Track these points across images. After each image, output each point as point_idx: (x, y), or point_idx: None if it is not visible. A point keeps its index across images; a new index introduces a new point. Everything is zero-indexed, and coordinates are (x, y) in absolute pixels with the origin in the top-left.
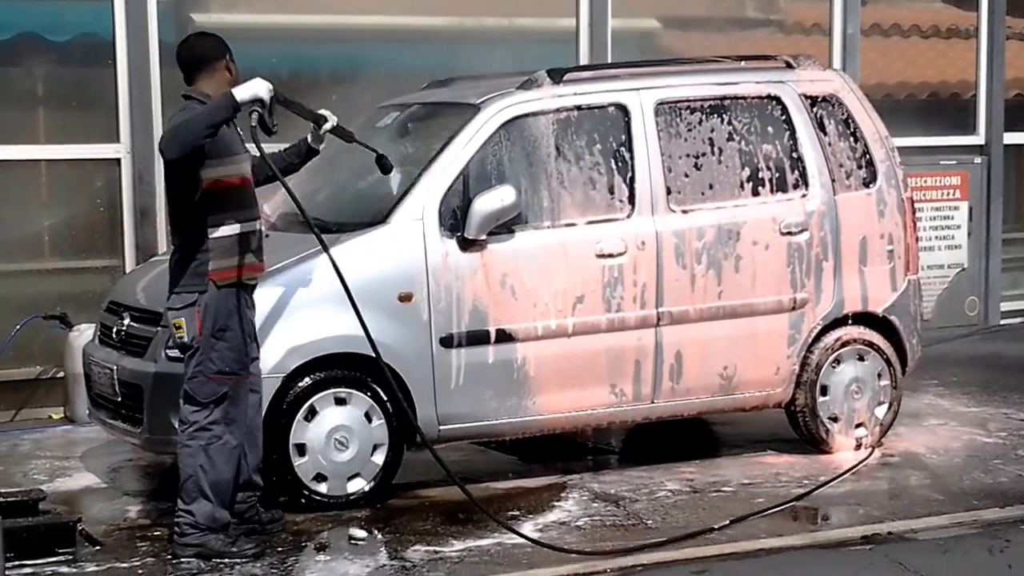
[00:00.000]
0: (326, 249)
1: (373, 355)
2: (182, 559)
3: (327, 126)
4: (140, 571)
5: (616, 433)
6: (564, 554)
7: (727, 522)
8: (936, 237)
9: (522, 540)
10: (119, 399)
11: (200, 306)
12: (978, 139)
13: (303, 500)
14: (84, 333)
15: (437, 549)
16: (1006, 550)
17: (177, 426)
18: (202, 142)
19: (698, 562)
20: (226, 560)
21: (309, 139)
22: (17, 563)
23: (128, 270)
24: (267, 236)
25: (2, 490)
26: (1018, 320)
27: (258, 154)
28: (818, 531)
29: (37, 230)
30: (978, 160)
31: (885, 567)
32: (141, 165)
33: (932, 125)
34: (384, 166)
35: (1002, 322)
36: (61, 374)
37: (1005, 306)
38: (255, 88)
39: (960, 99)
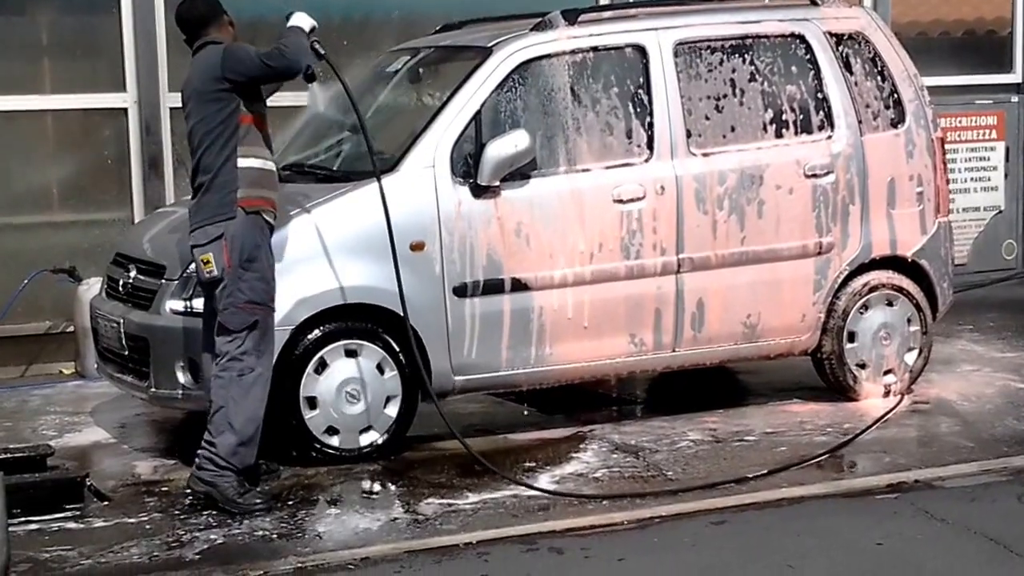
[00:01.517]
0: (378, 178)
1: (386, 306)
2: (197, 495)
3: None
4: (148, 526)
5: (640, 383)
6: (581, 505)
7: (765, 472)
8: (972, 179)
9: (537, 493)
10: (126, 353)
11: (227, 238)
12: (1015, 77)
13: (314, 454)
14: (93, 287)
15: (451, 502)
16: None
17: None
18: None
19: (716, 512)
20: (236, 514)
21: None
22: (24, 519)
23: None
24: None
25: (10, 446)
26: None
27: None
28: (842, 480)
29: (44, 182)
30: (1015, 99)
31: (909, 515)
32: (148, 115)
33: (967, 63)
34: (309, 76)
35: None
36: (71, 329)
37: None
38: (304, 20)
39: (996, 36)
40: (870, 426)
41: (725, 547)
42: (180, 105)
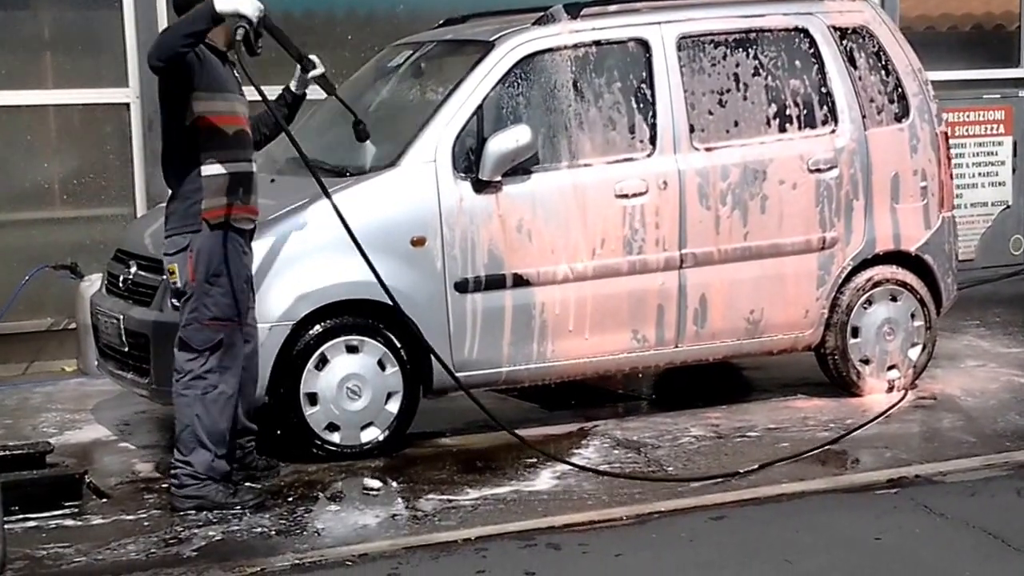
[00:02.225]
0: (327, 195)
1: (387, 302)
2: (187, 511)
3: (314, 72)
4: (146, 523)
5: (644, 379)
6: (581, 502)
7: (755, 466)
8: (979, 174)
9: (539, 488)
10: (126, 349)
11: (192, 251)
12: (1023, 72)
13: (315, 450)
14: (95, 283)
15: (451, 498)
16: None
17: (173, 375)
18: (182, 49)
19: (715, 508)
20: (235, 510)
21: (293, 86)
22: (22, 516)
23: None
24: (273, 181)
25: (9, 443)
26: None
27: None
28: (842, 475)
29: (46, 178)
30: (1023, 94)
31: (909, 510)
32: (151, 110)
33: (975, 58)
34: (360, 133)
35: None
36: (73, 326)
37: None
38: (238, 2)
39: (1005, 31)
40: (868, 422)
41: (723, 543)
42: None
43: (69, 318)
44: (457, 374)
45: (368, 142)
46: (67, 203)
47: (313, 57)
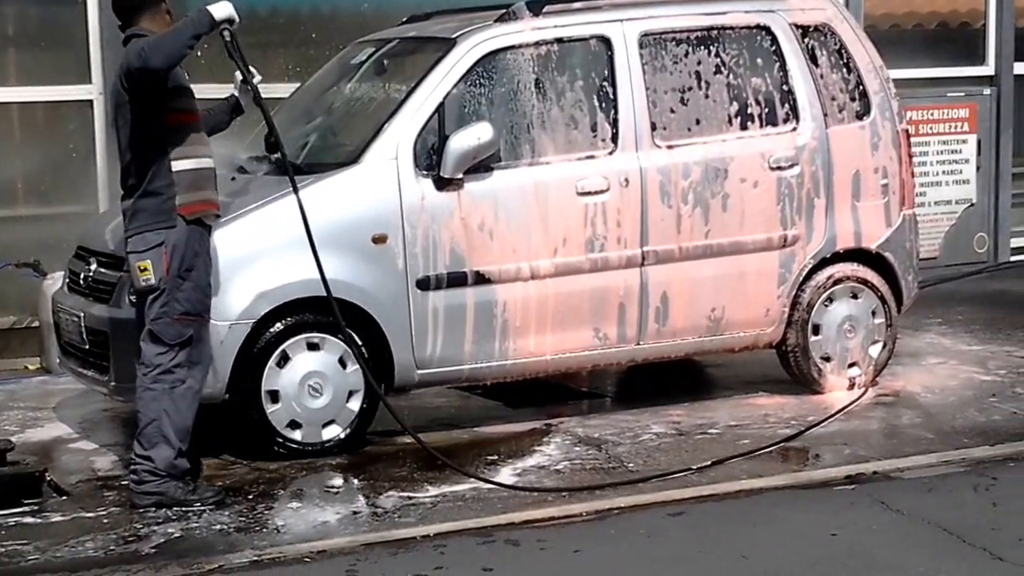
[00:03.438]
0: (296, 190)
1: (349, 299)
2: (147, 508)
3: (256, 80)
4: (106, 521)
5: (608, 376)
6: (540, 498)
7: (709, 463)
8: (944, 172)
9: (497, 486)
10: (87, 347)
11: (167, 246)
12: (987, 70)
13: (277, 448)
14: (58, 281)
15: (411, 495)
16: (992, 488)
17: (138, 369)
18: (186, 51)
19: (674, 504)
20: (194, 507)
21: (237, 94)
22: None
23: None
24: (233, 179)
25: None
26: None
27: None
28: (801, 471)
29: (8, 176)
30: (987, 91)
31: (866, 506)
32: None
33: (940, 56)
34: (272, 145)
35: (1012, 259)
36: (36, 324)
37: (1016, 242)
38: (228, 8)
39: (969, 28)
40: (826, 419)
41: (681, 538)
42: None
43: (32, 316)
44: (420, 372)
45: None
46: (30, 201)
47: (253, 69)
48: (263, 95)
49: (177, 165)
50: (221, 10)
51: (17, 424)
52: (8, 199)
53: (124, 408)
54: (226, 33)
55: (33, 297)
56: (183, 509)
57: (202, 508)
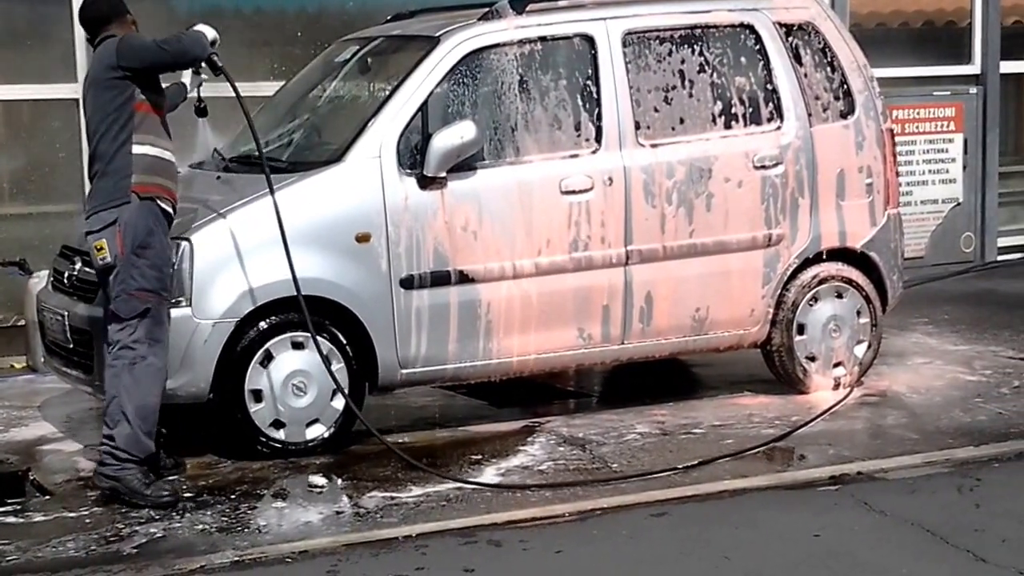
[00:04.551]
0: (271, 189)
1: (333, 298)
2: (103, 490)
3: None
4: (88, 520)
5: (595, 376)
6: (523, 499)
7: (695, 462)
8: (930, 171)
9: (481, 485)
10: (71, 346)
11: (120, 225)
12: (974, 68)
13: (260, 447)
14: (44, 280)
15: (394, 495)
16: (976, 489)
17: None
18: (201, 57)
19: (657, 505)
20: (144, 507)
21: (192, 93)
22: None
23: None
24: (219, 178)
25: None
26: (1016, 256)
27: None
28: (784, 472)
29: None
30: (973, 90)
31: (849, 507)
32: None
33: (926, 54)
34: (200, 110)
35: (999, 258)
36: (22, 323)
37: (1002, 241)
38: (212, 31)
39: (956, 27)
40: (812, 419)
41: (663, 539)
42: None
43: (18, 315)
44: (404, 371)
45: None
46: (15, 199)
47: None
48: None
49: (138, 149)
50: (211, 31)
51: (1, 423)
52: None
53: None
54: (216, 59)
55: (19, 296)
56: (166, 509)
57: (153, 505)
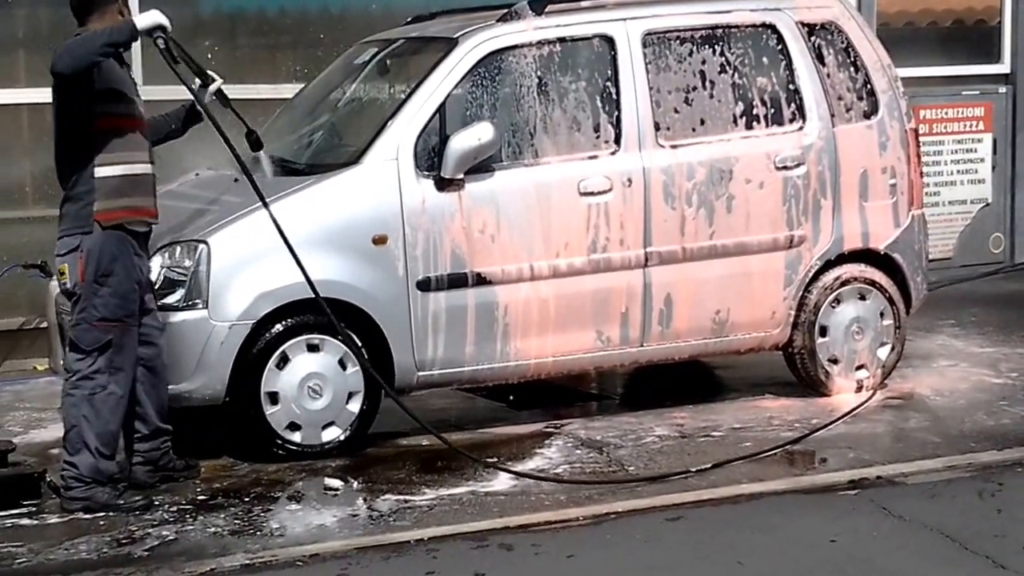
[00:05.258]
0: (264, 202)
1: (348, 300)
2: (75, 512)
3: (214, 87)
4: (102, 522)
5: (615, 379)
6: (538, 502)
7: (709, 465)
8: (958, 171)
9: (496, 489)
10: None
11: (83, 251)
12: (1003, 68)
13: (276, 450)
14: None
15: (408, 498)
16: (997, 494)
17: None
18: (96, 59)
19: (672, 508)
20: (186, 510)
21: (195, 101)
22: None
23: None
24: (236, 180)
25: None
26: None
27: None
28: (803, 476)
29: (18, 177)
30: (1003, 90)
31: (868, 512)
32: None
33: (955, 54)
34: (253, 142)
35: None
36: (44, 324)
37: None
38: (155, 16)
39: (985, 26)
40: (836, 420)
41: (677, 543)
42: (156, 98)
43: (40, 317)
44: (420, 373)
45: (262, 152)
46: (39, 202)
47: (212, 72)
48: (230, 96)
49: (100, 172)
50: (146, 19)
51: (22, 425)
52: (17, 200)
53: None
54: (160, 41)
55: (42, 299)
56: (179, 511)
57: (128, 513)
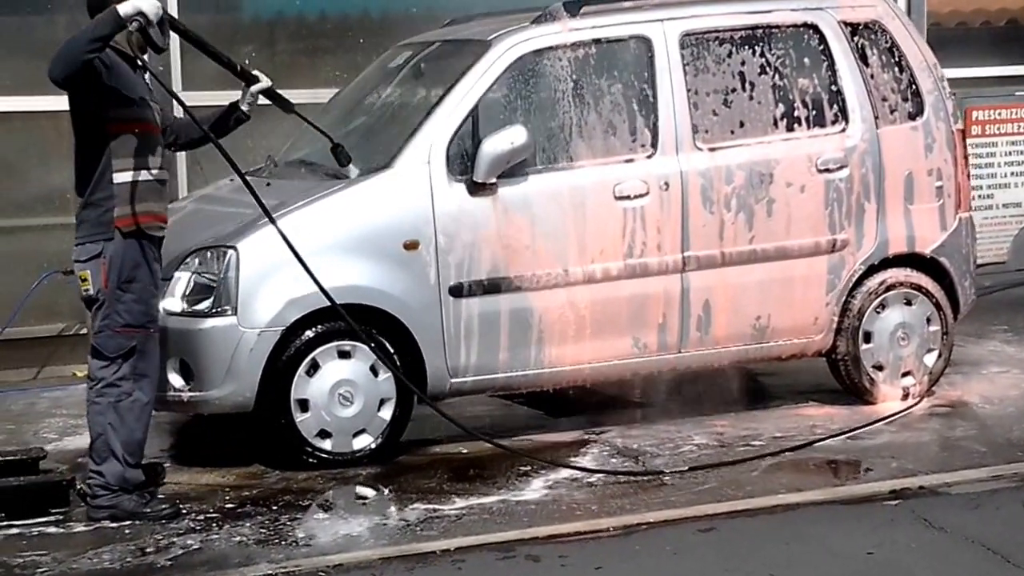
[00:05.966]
0: (269, 216)
1: (380, 306)
2: (102, 520)
3: (258, 87)
4: (128, 531)
5: (655, 385)
6: (569, 512)
7: (685, 468)
8: (1012, 173)
9: (527, 498)
10: None
11: (105, 258)
12: None
13: (306, 457)
14: None
15: (437, 507)
16: None
17: (87, 382)
18: (87, 57)
19: (705, 519)
20: (213, 518)
21: (240, 102)
22: (6, 523)
23: None
24: (268, 185)
25: (4, 449)
26: None
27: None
28: (842, 485)
29: (59, 183)
30: None
31: (907, 523)
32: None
33: (1009, 54)
34: (341, 158)
35: None
36: (84, 331)
37: None
38: (139, 3)
39: None
40: (864, 426)
41: (708, 554)
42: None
43: (80, 323)
44: (453, 380)
45: (351, 165)
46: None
47: (258, 72)
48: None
49: (119, 177)
50: (128, 5)
51: (56, 431)
52: (58, 207)
53: (161, 416)
54: (134, 24)
55: (80, 304)
56: (206, 520)
57: (154, 521)
